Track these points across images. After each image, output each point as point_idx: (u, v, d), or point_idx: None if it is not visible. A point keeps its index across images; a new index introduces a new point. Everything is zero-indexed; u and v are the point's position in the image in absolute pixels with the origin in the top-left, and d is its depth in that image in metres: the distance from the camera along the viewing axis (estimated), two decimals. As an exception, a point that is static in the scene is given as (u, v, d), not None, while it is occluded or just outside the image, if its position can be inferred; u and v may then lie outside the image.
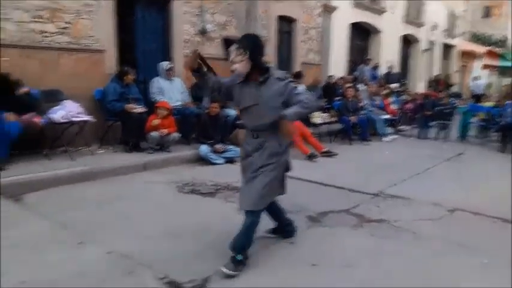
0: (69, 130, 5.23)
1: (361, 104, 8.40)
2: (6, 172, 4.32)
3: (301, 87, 8.47)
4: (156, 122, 5.68)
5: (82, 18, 5.78)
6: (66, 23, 5.63)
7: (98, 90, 5.87)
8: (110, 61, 6.13)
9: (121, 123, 5.79)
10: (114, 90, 5.66)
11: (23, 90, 4.76)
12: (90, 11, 5.86)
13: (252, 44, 2.66)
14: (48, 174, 4.44)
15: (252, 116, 2.75)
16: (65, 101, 5.26)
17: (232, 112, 6.60)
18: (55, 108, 5.08)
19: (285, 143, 2.83)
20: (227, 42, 2.75)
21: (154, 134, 5.67)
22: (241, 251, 2.70)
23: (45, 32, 5.44)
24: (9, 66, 4.62)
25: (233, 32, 8.01)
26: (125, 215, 3.67)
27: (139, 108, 5.75)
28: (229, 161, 5.83)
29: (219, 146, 5.90)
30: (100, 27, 5.97)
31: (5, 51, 4.58)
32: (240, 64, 2.65)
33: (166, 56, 7.02)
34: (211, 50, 7.48)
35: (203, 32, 7.47)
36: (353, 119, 7.88)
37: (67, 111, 5.06)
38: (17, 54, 5.08)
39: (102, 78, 5.97)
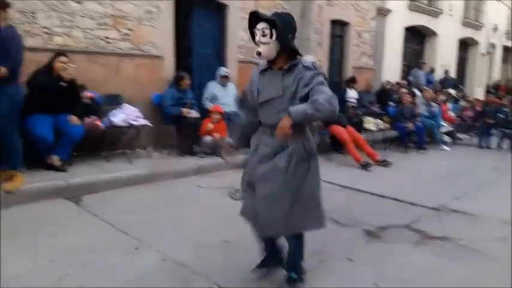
0: (127, 133, 5.43)
1: (417, 111, 8.06)
2: (67, 173, 4.50)
3: (352, 92, 8.35)
4: (210, 126, 5.76)
5: (143, 25, 5.97)
6: (128, 29, 5.83)
7: (156, 95, 6.03)
8: (168, 67, 6.29)
9: (176, 127, 5.92)
10: (171, 96, 5.80)
11: (88, 95, 5.00)
12: (151, 18, 6.04)
13: (282, 23, 2.20)
14: (107, 177, 4.60)
15: (274, 110, 2.27)
16: (124, 104, 5.47)
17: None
18: (115, 111, 5.29)
19: (313, 147, 2.36)
20: (254, 19, 2.30)
21: (207, 138, 5.74)
22: (295, 269, 2.51)
23: (109, 38, 5.66)
24: (75, 72, 4.84)
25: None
26: (178, 221, 3.71)
27: (194, 113, 5.86)
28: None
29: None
30: (159, 34, 6.13)
31: (72, 57, 4.80)
32: (265, 47, 2.23)
33: (221, 61, 7.10)
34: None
35: (256, 38, 7.47)
36: (409, 125, 7.57)
37: (127, 114, 5.25)
38: (83, 59, 5.33)
39: (160, 83, 6.13)
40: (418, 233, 3.61)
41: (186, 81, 5.97)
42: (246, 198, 2.49)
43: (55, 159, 4.55)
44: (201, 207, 4.11)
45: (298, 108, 2.11)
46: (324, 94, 2.11)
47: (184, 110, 5.76)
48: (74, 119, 4.64)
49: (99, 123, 4.99)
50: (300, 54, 2.32)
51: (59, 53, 4.72)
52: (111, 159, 5.21)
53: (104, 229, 3.47)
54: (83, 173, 4.57)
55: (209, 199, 4.41)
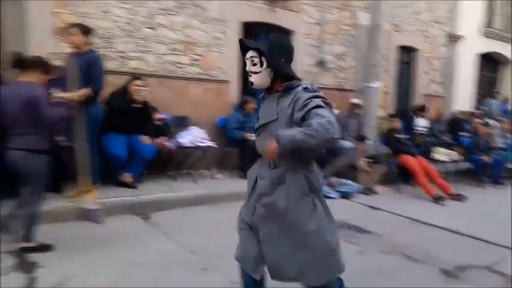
0: (193, 154, 5.56)
1: (494, 142, 7.50)
2: (137, 190, 4.68)
3: (421, 121, 7.99)
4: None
5: (212, 51, 6.18)
6: (197, 55, 6.06)
7: (221, 118, 6.16)
8: (234, 91, 6.43)
9: (239, 150, 5.96)
10: (236, 119, 5.90)
11: (159, 116, 5.22)
12: (219, 44, 6.24)
13: (272, 48, 1.99)
14: (174, 196, 4.71)
15: (269, 136, 1.95)
16: (191, 126, 5.64)
17: (347, 144, 6.38)
18: (182, 133, 5.46)
19: (318, 182, 2.07)
20: (242, 47, 2.10)
21: (270, 162, 5.71)
22: None
23: (179, 63, 5.91)
24: (148, 95, 5.09)
25: (350, 63, 7.89)
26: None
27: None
28: (345, 196, 5.59)
29: (334, 180, 5.70)
30: (227, 59, 6.31)
31: (145, 80, 5.05)
32: (257, 76, 2.03)
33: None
34: (328, 80, 7.45)
35: (321, 64, 7.45)
36: (485, 158, 7.04)
37: (193, 136, 5.40)
38: (154, 83, 5.58)
39: (225, 107, 6.26)
40: (501, 276, 3.27)
41: (251, 105, 6.04)
42: (242, 239, 2.20)
43: (127, 177, 4.74)
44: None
45: (288, 132, 1.84)
46: (320, 118, 1.81)
47: (248, 134, 5.81)
48: (146, 139, 4.83)
49: (169, 143, 5.17)
50: (298, 78, 2.07)
51: (135, 76, 4.99)
52: (177, 178, 5.34)
53: (172, 247, 3.52)
54: (152, 191, 4.72)
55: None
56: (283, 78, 2.03)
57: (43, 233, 3.32)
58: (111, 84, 4.82)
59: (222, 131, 6.13)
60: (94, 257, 3.20)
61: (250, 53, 2.03)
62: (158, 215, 4.34)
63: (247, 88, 6.56)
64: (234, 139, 5.89)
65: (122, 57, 5.44)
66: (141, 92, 4.87)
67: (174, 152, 5.32)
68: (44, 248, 3.24)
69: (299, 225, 1.97)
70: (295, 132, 1.80)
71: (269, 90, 2.10)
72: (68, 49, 4.35)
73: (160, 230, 3.91)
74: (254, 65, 2.01)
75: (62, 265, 3.01)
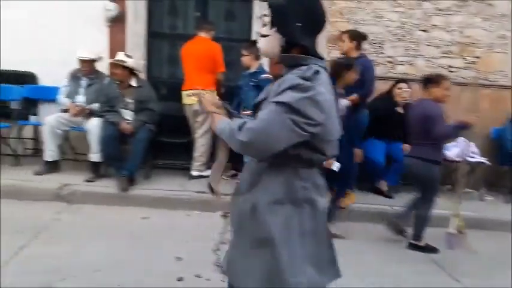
0: (458, 169, 4.94)
1: None
2: (392, 200, 4.51)
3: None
4: None
5: (494, 52, 5.36)
6: (474, 57, 5.37)
7: (496, 129, 5.29)
8: (514, 99, 5.39)
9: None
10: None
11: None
12: (504, 44, 5.34)
13: (285, 7, 1.42)
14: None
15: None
16: (459, 138, 5.03)
17: None
18: (449, 144, 4.93)
19: (305, 188, 1.45)
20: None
21: None
22: None
23: (452, 67, 5.38)
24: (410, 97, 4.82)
25: None
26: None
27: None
28: None
29: None
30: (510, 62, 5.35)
31: (413, 86, 4.81)
32: (264, 40, 1.49)
33: None
34: None
35: None
36: None
37: (462, 149, 4.79)
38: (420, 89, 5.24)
39: (501, 116, 5.33)
40: None
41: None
42: None
43: (383, 184, 4.66)
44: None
45: (227, 123, 1.44)
46: (254, 120, 1.35)
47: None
48: (407, 148, 4.59)
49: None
50: (317, 55, 1.44)
51: (400, 79, 4.82)
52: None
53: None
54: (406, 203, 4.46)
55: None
56: (300, 49, 1.45)
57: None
58: (377, 90, 4.81)
59: (496, 145, 5.24)
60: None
61: (266, 10, 1.52)
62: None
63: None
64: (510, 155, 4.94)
65: (390, 62, 5.36)
66: (403, 93, 4.67)
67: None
68: (431, 249, 3.59)
69: (256, 238, 1.46)
70: (231, 125, 1.39)
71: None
72: (339, 56, 4.57)
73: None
74: (264, 25, 1.50)
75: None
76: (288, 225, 1.43)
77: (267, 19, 1.47)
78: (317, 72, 1.36)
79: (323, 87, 1.35)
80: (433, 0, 5.26)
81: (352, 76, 3.59)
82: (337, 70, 3.48)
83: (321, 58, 1.46)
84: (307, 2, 1.45)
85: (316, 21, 1.47)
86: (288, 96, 1.30)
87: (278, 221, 1.43)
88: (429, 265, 3.41)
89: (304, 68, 1.37)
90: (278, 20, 1.44)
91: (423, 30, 5.32)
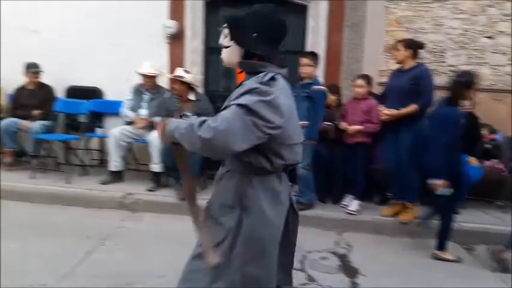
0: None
1: None
2: (459, 216, 4.25)
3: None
4: None
5: None
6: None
7: None
8: None
9: None
10: None
11: (490, 136, 4.64)
12: None
13: (242, 19, 1.56)
14: (504, 229, 4.01)
15: None
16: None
17: None
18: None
19: (250, 194, 1.52)
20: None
21: None
22: None
23: (519, 75, 5.06)
24: (478, 111, 4.57)
25: None
26: None
27: None
28: None
29: None
30: None
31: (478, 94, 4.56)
32: (225, 51, 1.62)
33: None
34: None
35: None
36: None
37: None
38: (487, 98, 4.97)
39: None
40: None
41: None
42: None
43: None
44: None
45: (180, 122, 1.47)
46: (217, 118, 1.38)
47: None
48: (473, 161, 4.38)
49: (500, 167, 4.50)
50: (276, 61, 1.55)
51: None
52: (507, 209, 4.56)
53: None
54: (476, 219, 4.27)
55: None
56: (261, 58, 1.55)
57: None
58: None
59: None
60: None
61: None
62: (482, 248, 3.87)
63: None
64: None
65: (453, 71, 5.13)
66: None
67: (506, 179, 4.58)
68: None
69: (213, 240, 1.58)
70: (185, 125, 1.41)
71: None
72: (395, 65, 4.44)
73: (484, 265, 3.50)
74: (225, 37, 1.61)
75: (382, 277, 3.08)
76: (237, 230, 1.52)
77: (226, 31, 1.59)
78: (273, 78, 1.45)
79: (280, 92, 1.44)
80: (498, 5, 5.00)
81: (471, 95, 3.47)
82: (457, 90, 3.40)
83: (282, 66, 1.57)
84: (262, 13, 1.56)
85: (272, 30, 1.57)
86: (246, 99, 1.38)
87: (224, 227, 1.54)
88: None
89: (261, 74, 1.46)
90: (235, 33, 1.57)
91: (488, 37, 5.06)
